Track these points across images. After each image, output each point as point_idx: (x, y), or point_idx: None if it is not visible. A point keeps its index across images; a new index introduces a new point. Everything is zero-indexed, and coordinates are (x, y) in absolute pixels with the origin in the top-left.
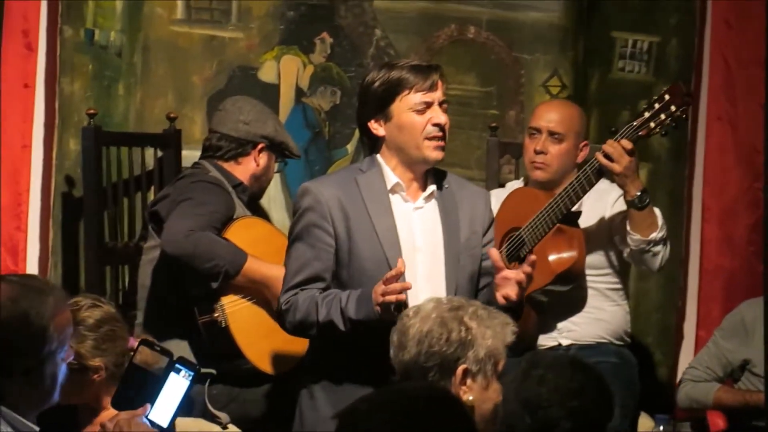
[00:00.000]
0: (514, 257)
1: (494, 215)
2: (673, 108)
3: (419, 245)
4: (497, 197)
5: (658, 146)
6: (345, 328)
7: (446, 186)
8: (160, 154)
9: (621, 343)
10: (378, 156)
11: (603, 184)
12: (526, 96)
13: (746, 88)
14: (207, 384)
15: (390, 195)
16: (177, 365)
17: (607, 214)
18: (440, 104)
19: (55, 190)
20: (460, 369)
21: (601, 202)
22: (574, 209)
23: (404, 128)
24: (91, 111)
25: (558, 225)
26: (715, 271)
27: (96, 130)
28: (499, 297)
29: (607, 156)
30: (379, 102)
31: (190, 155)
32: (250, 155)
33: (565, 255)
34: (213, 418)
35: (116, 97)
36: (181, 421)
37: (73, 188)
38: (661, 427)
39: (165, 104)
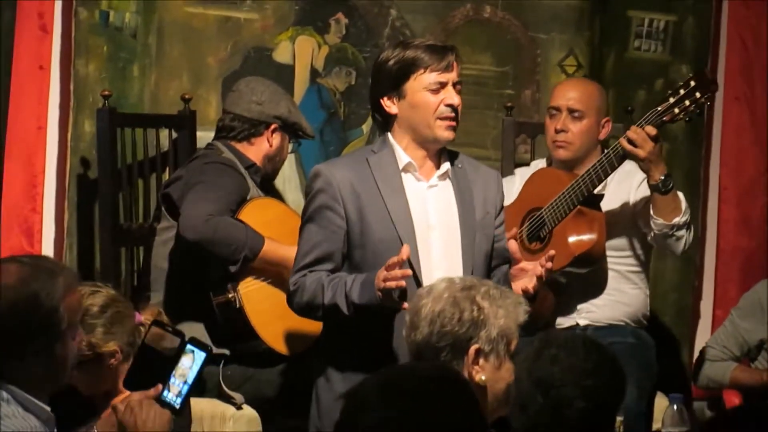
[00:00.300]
0: (534, 237)
1: (518, 194)
2: (698, 95)
3: (433, 223)
4: (521, 176)
5: (675, 127)
6: (348, 312)
7: (459, 166)
8: (174, 135)
9: (638, 325)
10: (389, 135)
11: (628, 165)
12: (542, 75)
13: (764, 69)
14: (221, 365)
15: (402, 174)
16: (189, 346)
17: (632, 196)
18: (454, 85)
19: (70, 171)
20: (472, 349)
21: (626, 184)
22: (596, 192)
23: (417, 107)
24: (106, 92)
25: (579, 207)
26: (732, 251)
27: (111, 112)
28: (516, 288)
29: (630, 141)
30: (394, 80)
31: (205, 136)
32: (263, 136)
33: (585, 237)
34: (227, 399)
35: (131, 79)
36: (195, 402)
37: (88, 170)
38: (675, 407)
39: (180, 85)
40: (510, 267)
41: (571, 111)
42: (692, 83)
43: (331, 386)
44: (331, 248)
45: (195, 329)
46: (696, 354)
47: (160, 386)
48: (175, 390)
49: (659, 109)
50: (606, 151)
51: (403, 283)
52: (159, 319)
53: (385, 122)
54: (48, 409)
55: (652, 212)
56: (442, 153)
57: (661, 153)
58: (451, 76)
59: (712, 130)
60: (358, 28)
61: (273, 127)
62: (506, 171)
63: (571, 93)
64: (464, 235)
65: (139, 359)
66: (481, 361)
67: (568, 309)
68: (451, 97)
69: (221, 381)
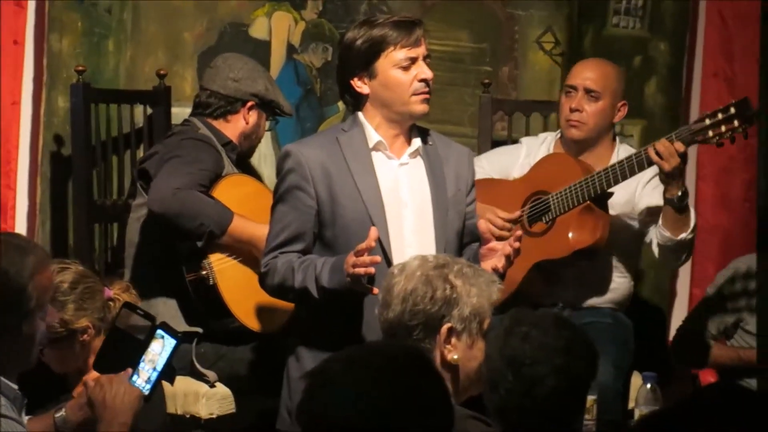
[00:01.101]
0: (536, 219)
1: (525, 166)
2: (736, 123)
3: (405, 201)
4: (528, 146)
5: (652, 103)
6: (318, 295)
7: (430, 143)
8: (149, 111)
9: (619, 308)
10: (360, 114)
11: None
12: (520, 52)
13: (742, 45)
14: (194, 343)
15: (373, 153)
16: (159, 330)
17: (637, 193)
18: (424, 59)
19: (43, 147)
20: (444, 327)
21: (634, 180)
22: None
23: (390, 85)
24: (80, 68)
25: (588, 202)
26: (711, 229)
27: (85, 87)
28: (486, 267)
29: (658, 153)
30: (363, 59)
31: (180, 112)
32: (239, 113)
33: (587, 235)
34: (200, 377)
35: (106, 54)
36: None
37: (62, 146)
38: (648, 385)
39: (155, 61)
40: (480, 246)
41: (587, 91)
42: (732, 110)
43: (302, 365)
44: (301, 228)
45: (168, 305)
46: (673, 332)
47: (130, 370)
48: (144, 376)
49: (693, 128)
50: (629, 155)
51: (372, 270)
52: (128, 294)
53: (356, 102)
54: (15, 387)
55: (661, 223)
56: (412, 130)
57: (684, 172)
58: (421, 50)
59: (690, 106)
60: (335, 4)
61: (249, 104)
62: (483, 148)
63: (588, 73)
64: (436, 212)
65: (109, 342)
66: (454, 340)
67: (552, 295)
68: (424, 71)
69: (194, 359)
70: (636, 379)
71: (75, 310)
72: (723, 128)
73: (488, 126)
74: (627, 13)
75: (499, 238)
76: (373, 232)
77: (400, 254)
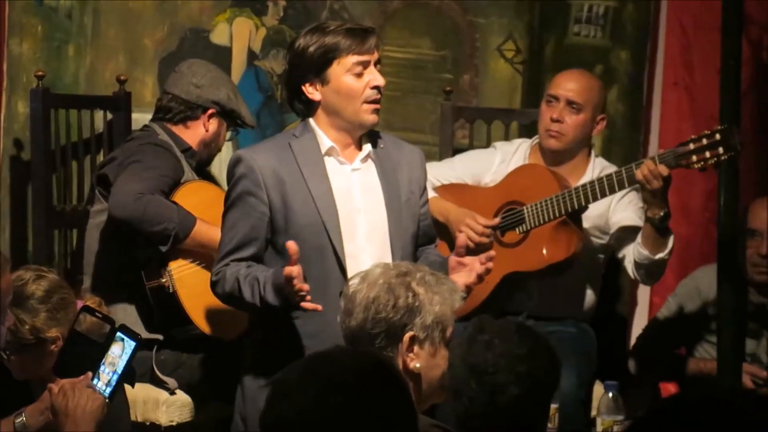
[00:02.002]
0: (508, 229)
1: (498, 173)
2: (720, 150)
3: (359, 206)
4: (502, 151)
5: (613, 112)
6: (267, 309)
7: (381, 146)
8: (110, 116)
9: (583, 319)
10: (311, 120)
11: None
12: (481, 60)
13: (703, 54)
14: (154, 350)
15: (325, 158)
16: (119, 334)
17: (612, 206)
18: (375, 65)
19: (3, 152)
20: (407, 336)
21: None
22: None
23: (342, 92)
24: (40, 73)
25: (564, 217)
26: None
27: (44, 92)
28: (457, 281)
29: (642, 174)
30: (316, 66)
31: (140, 118)
32: (199, 120)
33: (561, 250)
34: (160, 384)
35: (66, 59)
36: (128, 387)
37: (22, 151)
38: (610, 394)
39: (115, 66)
40: (449, 256)
41: (569, 102)
42: (717, 137)
43: (255, 373)
44: (253, 234)
45: (128, 312)
46: (633, 341)
47: (90, 374)
48: (104, 378)
49: (679, 151)
50: (610, 173)
51: (304, 289)
52: (100, 308)
53: (306, 108)
54: None
55: (640, 240)
56: (363, 135)
57: (666, 193)
58: (374, 57)
59: (651, 115)
60: (296, 10)
61: (210, 112)
62: (444, 156)
63: (572, 84)
64: (390, 216)
65: (68, 346)
66: (416, 348)
67: (517, 303)
68: (376, 78)
69: (154, 366)
70: (598, 388)
71: (47, 320)
72: (707, 154)
73: (449, 134)
74: (588, 22)
75: (477, 246)
76: (292, 245)
77: (354, 260)
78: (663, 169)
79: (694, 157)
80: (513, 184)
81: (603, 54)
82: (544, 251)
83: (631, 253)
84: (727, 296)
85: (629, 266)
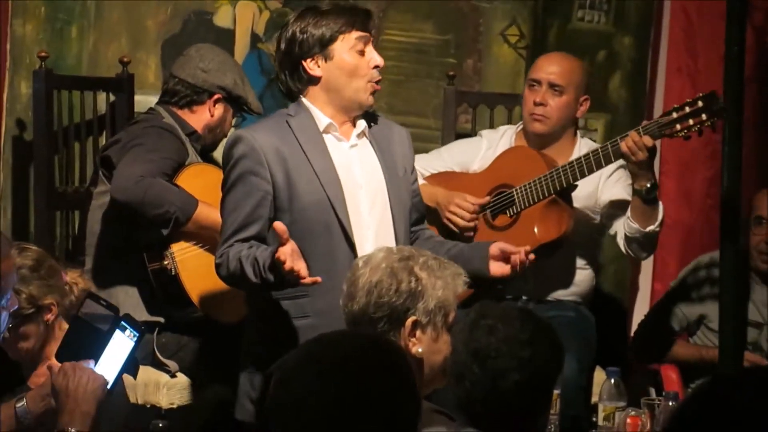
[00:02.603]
0: (499, 213)
1: (486, 159)
2: (704, 116)
3: (360, 182)
4: (488, 139)
5: (616, 97)
6: (268, 290)
7: (373, 123)
8: (112, 98)
9: (583, 301)
10: (304, 99)
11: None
12: (484, 45)
13: (706, 41)
14: (156, 332)
15: (324, 135)
16: (122, 323)
17: (600, 184)
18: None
19: (5, 133)
20: (409, 320)
21: (596, 172)
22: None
23: (345, 69)
24: (43, 54)
25: (553, 196)
26: (673, 225)
27: (47, 73)
28: (494, 268)
29: (626, 146)
30: (319, 41)
31: (143, 100)
32: (204, 104)
33: (553, 228)
34: (161, 367)
35: (69, 40)
36: None
37: (24, 131)
38: (612, 380)
39: (118, 48)
40: (491, 242)
41: (552, 85)
42: (700, 103)
43: (259, 356)
44: (256, 214)
45: (129, 294)
46: (634, 327)
47: (92, 361)
48: (106, 368)
49: (661, 121)
50: (595, 148)
51: (300, 267)
52: (82, 279)
53: (300, 87)
54: None
55: (629, 214)
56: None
57: (652, 165)
58: (370, 38)
59: (653, 102)
60: None
61: (216, 97)
62: (446, 140)
63: (553, 67)
64: (391, 191)
65: (71, 332)
66: (418, 333)
67: (515, 288)
68: (377, 57)
69: (155, 349)
70: (599, 374)
71: (41, 287)
72: (691, 122)
73: (452, 118)
74: (592, 8)
75: (465, 229)
76: (279, 226)
77: (359, 236)
78: (647, 140)
79: (678, 126)
80: (501, 168)
81: (606, 39)
82: (536, 231)
83: (622, 228)
84: (729, 283)
85: (621, 242)
